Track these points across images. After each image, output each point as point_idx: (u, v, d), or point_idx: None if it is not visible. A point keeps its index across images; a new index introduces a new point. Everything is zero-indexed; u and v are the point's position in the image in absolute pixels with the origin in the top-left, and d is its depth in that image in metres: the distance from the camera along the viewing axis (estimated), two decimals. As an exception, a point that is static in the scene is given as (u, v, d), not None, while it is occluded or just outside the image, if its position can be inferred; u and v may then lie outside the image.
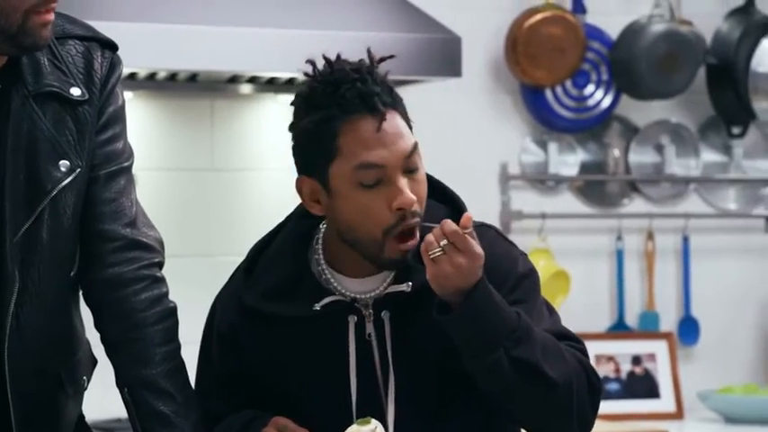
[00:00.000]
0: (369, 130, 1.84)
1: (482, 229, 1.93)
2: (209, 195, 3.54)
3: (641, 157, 3.93)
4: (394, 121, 1.85)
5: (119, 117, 2.01)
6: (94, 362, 2.10)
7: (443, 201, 1.97)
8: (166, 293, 2.00)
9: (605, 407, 1.96)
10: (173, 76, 3.35)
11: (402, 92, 1.92)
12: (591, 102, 3.85)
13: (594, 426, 1.94)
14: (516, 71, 3.75)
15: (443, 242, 1.80)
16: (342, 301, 1.91)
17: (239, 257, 2.02)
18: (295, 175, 1.92)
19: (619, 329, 3.86)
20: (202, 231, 3.53)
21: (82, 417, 2.11)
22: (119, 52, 2.02)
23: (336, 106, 1.84)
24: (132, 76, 3.27)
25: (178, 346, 1.99)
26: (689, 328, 3.91)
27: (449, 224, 1.81)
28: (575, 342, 1.92)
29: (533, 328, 1.86)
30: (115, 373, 1.99)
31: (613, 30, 3.83)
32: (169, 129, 3.51)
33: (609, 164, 3.90)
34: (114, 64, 2.00)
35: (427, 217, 1.90)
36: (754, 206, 4.01)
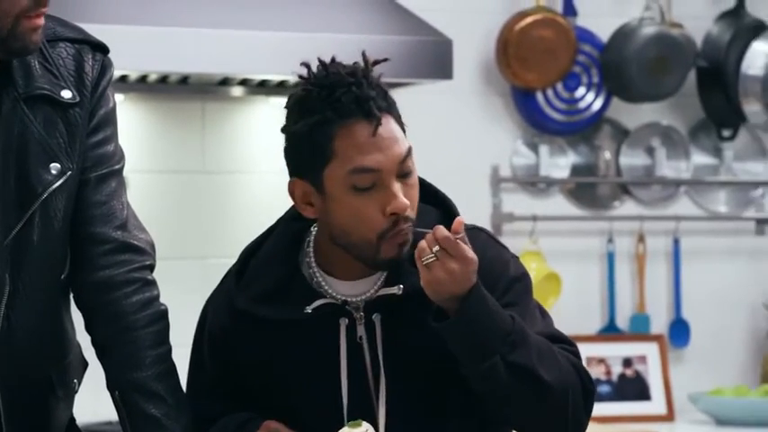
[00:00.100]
0: (364, 134, 1.84)
1: (473, 232, 1.93)
2: (201, 198, 3.54)
3: (632, 159, 3.93)
4: (389, 125, 1.86)
5: (110, 120, 2.00)
6: (85, 365, 2.10)
7: (435, 203, 1.97)
8: (157, 296, 2.00)
9: (596, 409, 1.96)
10: (164, 79, 3.35)
11: (393, 94, 1.92)
12: (582, 104, 3.86)
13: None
14: (507, 74, 3.75)
15: (436, 248, 1.81)
16: (333, 303, 1.91)
17: (230, 260, 2.02)
18: (286, 177, 1.92)
19: (610, 332, 3.86)
20: (193, 234, 3.52)
21: (73, 420, 2.11)
22: (110, 55, 2.01)
23: (332, 110, 1.84)
24: (123, 78, 3.27)
25: (169, 349, 1.99)
26: (680, 331, 3.92)
27: (441, 230, 1.81)
28: (567, 345, 1.93)
29: (528, 331, 1.86)
30: (106, 375, 1.99)
31: (604, 32, 3.84)
32: (160, 131, 3.51)
33: (600, 166, 3.91)
34: (105, 66, 2.00)
35: (419, 220, 1.90)
36: (745, 208, 4.02)
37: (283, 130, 1.90)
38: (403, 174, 1.86)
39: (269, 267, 1.95)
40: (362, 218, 1.85)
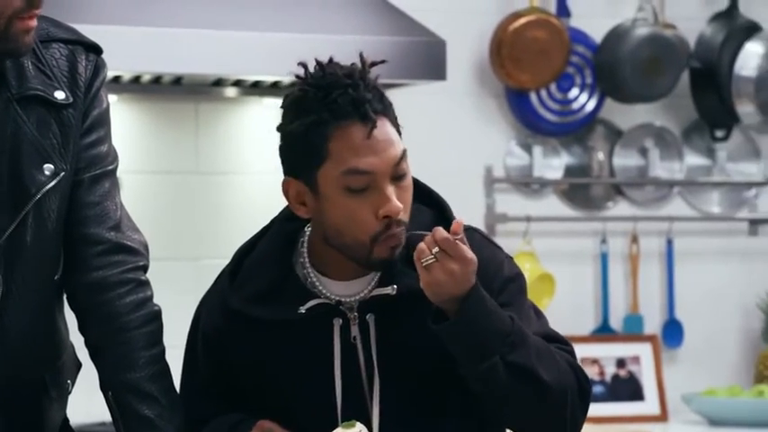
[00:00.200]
0: (359, 136, 1.84)
1: (467, 233, 1.92)
2: (194, 199, 3.54)
3: (625, 160, 3.94)
4: (384, 128, 1.86)
5: (103, 120, 2.00)
6: (79, 365, 2.10)
7: (428, 204, 1.97)
8: (151, 297, 2.00)
9: (589, 410, 1.96)
10: (157, 80, 3.35)
11: (387, 95, 1.92)
12: (575, 105, 3.86)
13: (580, 428, 1.95)
14: (501, 74, 3.75)
15: (435, 249, 1.81)
16: (327, 303, 1.91)
17: (224, 261, 2.02)
18: (280, 178, 1.92)
19: (603, 332, 3.86)
20: (187, 235, 3.52)
21: (66, 420, 2.10)
22: (103, 55, 2.01)
23: (328, 111, 1.84)
24: (117, 79, 3.27)
25: (162, 350, 1.99)
26: (673, 331, 3.92)
27: (440, 231, 1.81)
28: (563, 344, 1.93)
29: (527, 332, 1.86)
30: (99, 376, 1.98)
31: (597, 33, 3.84)
32: (154, 132, 3.51)
33: (593, 167, 3.91)
34: (99, 67, 1.99)
35: (413, 220, 1.90)
36: (738, 209, 4.03)
37: (279, 129, 1.90)
38: (397, 176, 1.86)
39: (263, 268, 1.95)
40: (355, 219, 1.85)
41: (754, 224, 4.00)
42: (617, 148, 3.92)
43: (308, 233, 1.95)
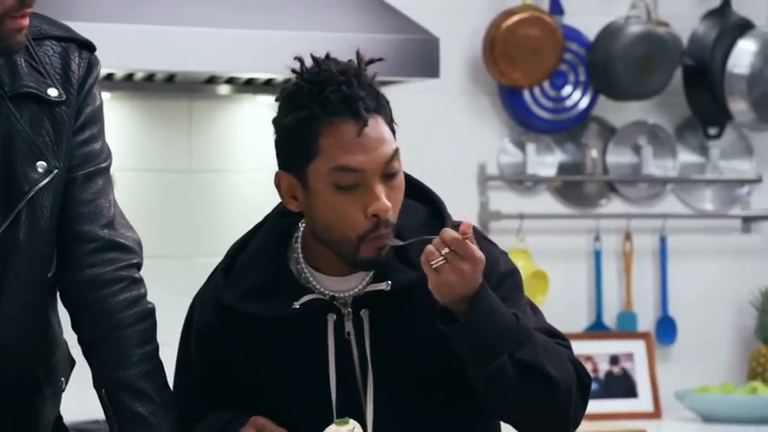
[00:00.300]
0: (350, 134, 1.84)
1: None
2: (188, 196, 3.54)
3: (619, 157, 3.94)
4: (376, 126, 1.85)
5: (96, 118, 2.00)
6: (72, 363, 2.10)
7: (423, 200, 1.97)
8: (144, 294, 2.00)
9: (585, 406, 1.96)
10: (150, 77, 3.35)
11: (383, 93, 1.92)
12: (568, 102, 3.87)
13: (573, 425, 1.95)
14: (494, 72, 3.75)
15: (445, 251, 1.79)
16: (321, 299, 1.91)
17: (217, 258, 2.02)
18: (273, 175, 1.92)
19: (596, 329, 3.87)
20: (180, 232, 3.52)
21: (60, 418, 2.10)
22: (96, 53, 2.01)
23: (320, 107, 1.84)
24: (110, 76, 3.27)
25: (156, 348, 1.99)
26: (666, 328, 3.93)
27: (449, 232, 1.80)
28: (561, 339, 1.93)
29: (531, 328, 1.86)
30: (92, 374, 1.98)
31: (590, 31, 3.85)
32: (147, 129, 3.50)
33: (586, 164, 3.91)
34: (92, 64, 1.99)
35: (407, 217, 1.90)
36: (731, 207, 4.03)
37: (273, 122, 1.91)
38: (387, 175, 1.86)
39: (257, 263, 1.95)
40: (344, 216, 1.85)
41: (747, 221, 4.01)
42: (610, 145, 3.93)
43: (302, 229, 1.95)
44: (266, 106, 3.45)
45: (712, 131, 3.96)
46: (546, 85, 3.83)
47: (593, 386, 3.76)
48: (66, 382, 2.08)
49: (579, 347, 3.87)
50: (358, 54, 1.88)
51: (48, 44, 1.96)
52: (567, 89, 3.86)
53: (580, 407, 1.91)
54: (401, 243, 1.86)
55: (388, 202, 1.84)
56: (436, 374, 1.90)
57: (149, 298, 2.01)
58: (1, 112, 1.91)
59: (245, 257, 1.97)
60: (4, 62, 1.91)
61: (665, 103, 3.95)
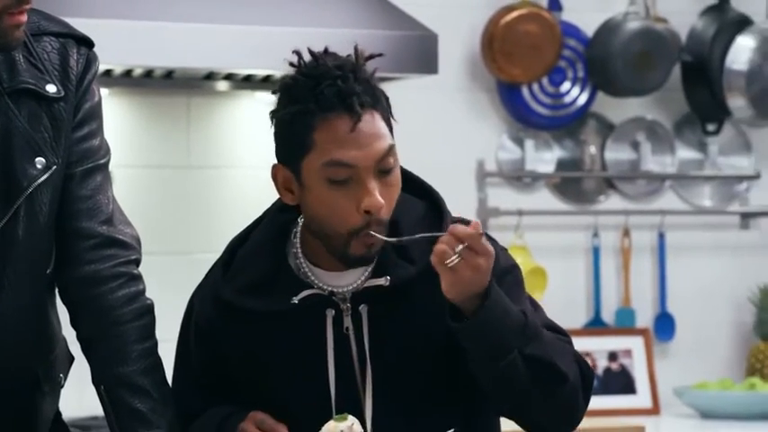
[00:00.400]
0: (344, 129, 1.83)
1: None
2: (186, 193, 3.54)
3: (617, 154, 3.94)
4: (371, 121, 1.85)
5: (95, 114, 2.00)
6: (71, 359, 2.10)
7: (421, 196, 1.97)
8: (143, 291, 2.00)
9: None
10: (149, 73, 3.35)
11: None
12: (567, 99, 3.86)
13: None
14: (493, 68, 3.75)
15: (459, 248, 1.77)
16: (320, 294, 1.91)
17: (216, 255, 2.02)
18: (271, 165, 1.92)
19: (595, 325, 3.87)
20: (179, 229, 3.52)
21: (59, 414, 2.10)
22: (95, 49, 2.01)
23: (314, 102, 1.84)
24: (108, 72, 3.27)
25: (155, 344, 1.99)
26: (665, 325, 3.93)
27: (461, 228, 1.78)
28: (562, 335, 1.93)
29: (539, 324, 1.86)
30: (91, 370, 1.98)
31: (589, 27, 3.85)
32: (145, 126, 3.50)
33: (585, 161, 3.91)
34: (90, 61, 1.99)
35: (404, 212, 1.90)
36: (729, 203, 4.03)
37: (270, 114, 1.91)
38: (382, 171, 1.85)
39: (255, 258, 1.95)
40: (336, 211, 1.84)
41: (746, 218, 4.01)
42: (609, 141, 3.93)
43: (300, 224, 1.95)
44: (264, 103, 3.45)
45: (711, 128, 3.97)
46: (544, 81, 3.83)
47: (592, 382, 3.77)
48: (65, 379, 2.08)
49: (578, 344, 3.83)
50: (356, 49, 1.88)
51: (46, 40, 1.96)
52: (566, 85, 3.86)
53: (583, 401, 1.91)
54: (394, 240, 1.85)
55: (381, 198, 1.83)
56: (435, 370, 1.90)
57: (148, 294, 2.01)
58: (-1, 108, 1.91)
59: (244, 252, 1.97)
60: (3, 58, 1.91)
61: (664, 100, 3.95)
